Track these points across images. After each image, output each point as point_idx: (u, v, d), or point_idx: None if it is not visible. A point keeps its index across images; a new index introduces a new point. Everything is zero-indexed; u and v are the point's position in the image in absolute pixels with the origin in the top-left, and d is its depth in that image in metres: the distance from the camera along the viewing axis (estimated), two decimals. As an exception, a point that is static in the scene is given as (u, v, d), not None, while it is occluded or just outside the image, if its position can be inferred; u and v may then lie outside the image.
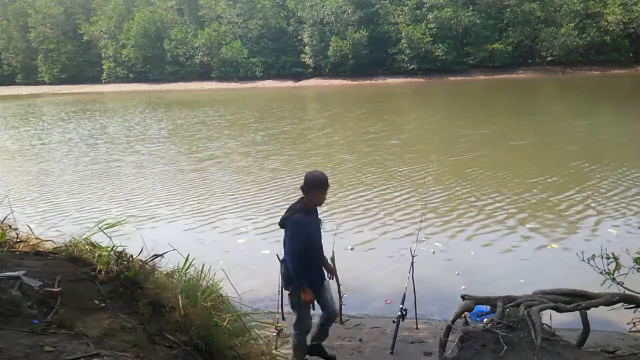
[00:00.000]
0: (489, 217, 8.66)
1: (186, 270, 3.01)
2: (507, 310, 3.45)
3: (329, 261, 4.53)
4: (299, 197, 4.20)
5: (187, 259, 3.07)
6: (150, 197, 11.10)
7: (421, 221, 6.09)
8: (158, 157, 16.03)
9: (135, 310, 2.40)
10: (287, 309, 5.38)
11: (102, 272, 2.57)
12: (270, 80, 57.35)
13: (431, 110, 28.02)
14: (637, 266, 3.62)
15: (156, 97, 46.51)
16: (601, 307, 3.57)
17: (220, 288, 3.04)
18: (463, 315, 4.46)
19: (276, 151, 16.12)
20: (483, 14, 50.52)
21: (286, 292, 4.31)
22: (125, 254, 2.76)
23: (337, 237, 6.25)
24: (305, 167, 13.43)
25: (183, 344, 2.35)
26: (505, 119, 22.14)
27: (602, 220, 8.20)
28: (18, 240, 2.96)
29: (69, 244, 2.86)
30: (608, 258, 3.53)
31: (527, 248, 7.32)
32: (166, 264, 2.94)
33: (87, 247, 2.87)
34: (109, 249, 2.85)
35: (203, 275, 3.00)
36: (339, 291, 5.10)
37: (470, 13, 49.79)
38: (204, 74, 61.79)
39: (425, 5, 51.51)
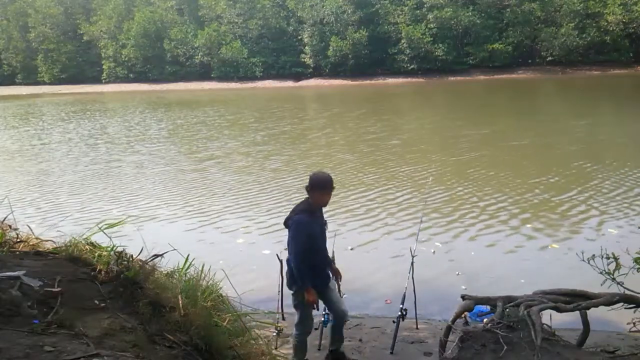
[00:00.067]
0: (489, 217, 8.66)
1: (186, 270, 3.01)
2: (507, 310, 3.45)
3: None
4: (305, 198, 4.19)
5: (187, 259, 3.07)
6: (150, 197, 11.10)
7: (421, 221, 6.07)
8: (158, 157, 16.03)
9: (135, 310, 2.40)
10: (287, 309, 5.39)
11: (102, 272, 2.57)
12: (270, 80, 57.35)
13: (431, 110, 28.02)
14: (637, 266, 3.62)
15: (156, 97, 46.51)
16: (601, 307, 3.57)
17: (220, 288, 3.04)
18: (463, 315, 4.46)
19: (276, 151, 16.12)
20: (483, 14, 50.51)
21: (287, 292, 4.30)
22: (125, 254, 2.76)
23: (337, 237, 6.25)
24: (306, 167, 13.43)
25: (183, 344, 2.35)
26: (506, 119, 22.14)
27: (603, 221, 8.18)
28: (18, 240, 2.96)
29: (69, 244, 2.86)
30: (608, 258, 3.53)
31: (527, 248, 7.32)
32: (166, 264, 2.94)
33: (87, 247, 2.87)
34: (109, 249, 2.84)
35: (203, 275, 3.00)
36: (339, 291, 5.10)
37: (470, 13, 49.78)
38: (204, 74, 61.80)
39: (425, 5, 51.50)
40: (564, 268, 6.29)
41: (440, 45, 50.57)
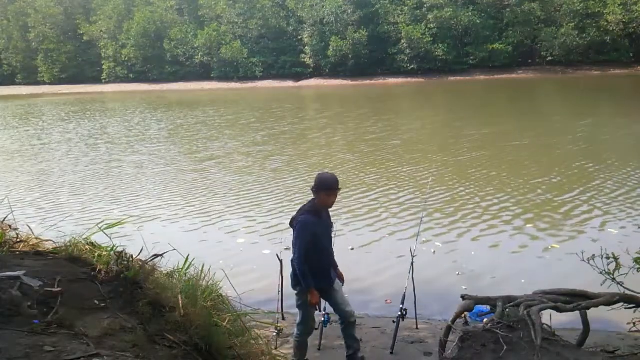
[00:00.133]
0: (490, 217, 8.66)
1: (186, 270, 3.01)
2: (507, 310, 3.45)
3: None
4: (311, 198, 4.19)
5: (187, 259, 3.07)
6: (151, 198, 11.10)
7: (421, 221, 6.08)
8: (158, 158, 16.04)
9: (135, 310, 2.40)
10: (287, 309, 5.40)
11: (102, 272, 2.57)
12: (270, 80, 57.34)
13: (432, 110, 28.02)
14: (637, 266, 3.62)
15: (156, 97, 46.52)
16: (601, 307, 3.57)
17: (220, 288, 3.04)
18: (463, 315, 4.46)
19: (277, 151, 16.12)
20: (483, 14, 50.48)
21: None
22: (125, 254, 2.76)
23: (338, 237, 6.24)
24: (307, 167, 13.44)
25: (183, 344, 2.35)
26: (506, 119, 22.13)
27: (604, 221, 8.18)
28: (18, 240, 2.96)
29: (69, 244, 2.86)
30: (608, 258, 3.53)
31: (527, 248, 7.32)
32: (166, 264, 2.94)
33: (87, 247, 2.87)
34: (109, 249, 2.85)
35: (203, 275, 2.99)
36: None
37: (470, 13, 49.75)
38: (204, 74, 61.78)
39: (425, 5, 51.46)
40: (564, 268, 6.29)
41: (440, 45, 50.54)
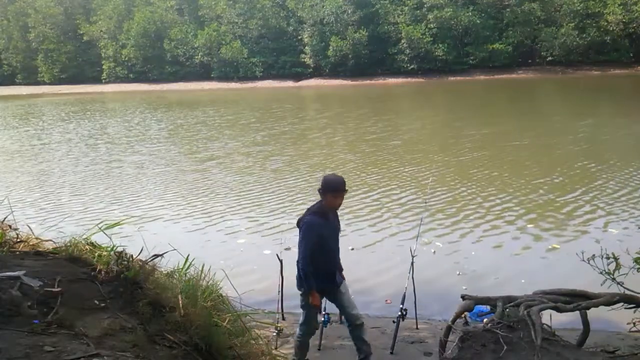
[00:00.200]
0: (491, 217, 8.66)
1: (186, 270, 3.01)
2: (507, 310, 3.45)
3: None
4: (319, 199, 4.17)
5: (187, 259, 3.07)
6: (150, 198, 11.10)
7: (421, 221, 6.08)
8: (159, 158, 16.04)
9: (135, 310, 2.40)
10: (287, 309, 5.40)
11: (102, 272, 2.57)
12: (270, 80, 57.34)
13: (432, 110, 28.02)
14: (637, 266, 3.62)
15: (156, 97, 46.52)
16: (601, 307, 3.57)
17: (220, 288, 3.04)
18: (463, 315, 4.46)
19: (277, 151, 16.12)
20: (483, 14, 50.47)
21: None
22: (125, 254, 2.76)
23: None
24: (307, 167, 13.45)
25: (183, 344, 2.35)
26: (507, 119, 22.14)
27: (605, 221, 8.18)
28: (18, 240, 2.96)
29: (69, 244, 2.86)
30: (608, 258, 3.53)
31: (528, 248, 7.32)
32: (166, 264, 2.94)
33: (87, 247, 2.87)
34: (109, 249, 2.84)
35: (203, 275, 2.99)
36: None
37: (470, 13, 49.74)
38: (204, 74, 61.78)
39: (425, 5, 51.44)
40: (564, 268, 6.29)
41: (440, 45, 50.53)
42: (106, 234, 3.04)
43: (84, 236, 2.97)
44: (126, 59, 65.30)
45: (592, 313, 3.72)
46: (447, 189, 10.50)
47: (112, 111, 35.30)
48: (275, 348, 4.50)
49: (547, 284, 4.82)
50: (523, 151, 14.46)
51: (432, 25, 51.03)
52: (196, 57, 61.29)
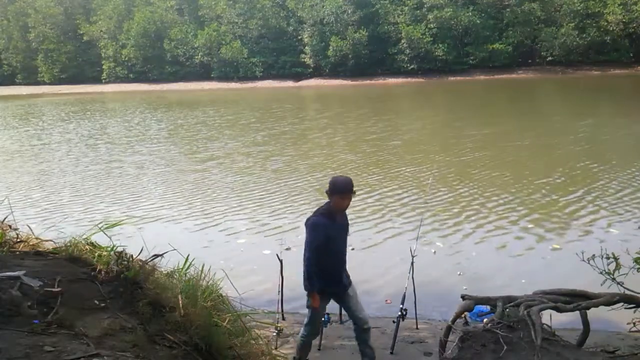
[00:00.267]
0: (491, 217, 8.66)
1: (186, 270, 3.01)
2: (507, 310, 3.45)
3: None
4: (328, 201, 4.14)
5: (187, 259, 3.07)
6: (150, 198, 11.10)
7: (421, 221, 6.07)
8: (159, 158, 16.04)
9: (135, 310, 2.40)
10: (287, 308, 5.41)
11: (102, 272, 2.57)
12: (270, 80, 57.34)
13: (432, 111, 28.02)
14: (637, 266, 3.62)
15: (156, 97, 46.52)
16: (601, 307, 3.57)
17: (220, 288, 3.04)
18: (463, 315, 4.46)
19: (277, 152, 16.12)
20: (483, 14, 50.47)
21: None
22: (125, 254, 2.76)
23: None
24: (308, 167, 13.45)
25: (183, 344, 2.35)
26: (507, 119, 22.14)
27: (606, 222, 8.17)
28: (18, 240, 2.96)
29: (69, 244, 2.86)
30: (608, 258, 3.53)
31: (528, 248, 7.32)
32: (166, 264, 2.94)
33: (87, 247, 2.87)
34: (109, 249, 2.85)
35: (203, 275, 2.99)
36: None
37: (470, 13, 49.74)
38: (204, 74, 61.78)
39: (425, 5, 51.44)
40: (564, 268, 6.29)
41: (440, 45, 50.54)
42: (106, 234, 3.04)
43: (84, 236, 2.97)
44: (126, 59, 65.29)
45: (592, 313, 3.72)
46: (448, 189, 10.50)
47: (112, 111, 35.30)
48: (275, 348, 4.50)
49: (547, 284, 4.82)
50: (523, 151, 14.45)
51: (432, 25, 51.03)
52: (196, 57, 61.29)
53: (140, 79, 65.43)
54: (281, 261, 5.13)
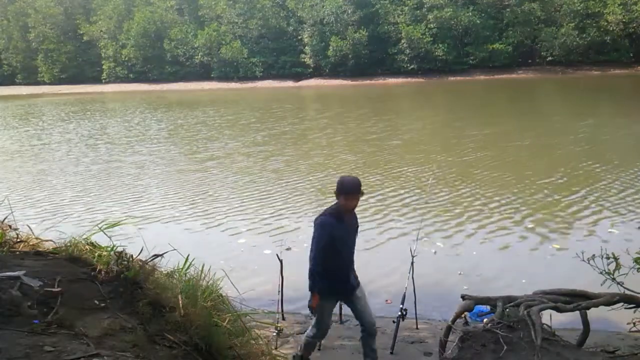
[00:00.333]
0: (492, 218, 8.65)
1: (186, 270, 3.01)
2: (507, 310, 3.45)
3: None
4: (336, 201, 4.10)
5: (187, 259, 3.07)
6: (151, 198, 11.10)
7: (422, 221, 6.08)
8: (159, 158, 16.04)
9: (135, 310, 2.40)
10: (287, 309, 5.41)
11: (102, 272, 2.57)
12: (270, 80, 57.34)
13: (432, 111, 28.01)
14: (637, 266, 3.62)
15: (156, 97, 46.51)
16: (601, 307, 3.57)
17: (221, 288, 3.04)
18: (463, 315, 4.46)
19: (278, 152, 16.12)
20: (483, 14, 50.48)
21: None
22: (125, 254, 2.76)
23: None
24: (308, 167, 13.44)
25: (183, 344, 2.35)
26: (507, 119, 22.13)
27: (607, 222, 8.16)
28: (18, 240, 2.96)
29: (69, 244, 2.86)
30: (608, 258, 3.53)
31: (528, 248, 7.32)
32: (166, 264, 2.94)
33: (87, 247, 2.87)
34: (109, 249, 2.85)
35: (203, 275, 2.99)
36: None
37: (470, 13, 49.75)
38: (204, 74, 61.78)
39: (425, 5, 51.45)
40: (565, 268, 6.29)
41: (440, 45, 50.54)
42: (106, 234, 3.04)
43: (84, 236, 2.98)
44: (126, 59, 65.29)
45: (592, 313, 3.72)
46: (449, 189, 10.50)
47: (112, 111, 35.30)
48: (275, 348, 4.50)
49: (548, 284, 4.82)
50: (524, 151, 14.45)
51: (432, 25, 51.04)
52: (196, 57, 61.30)
53: (140, 79, 65.43)
54: (281, 261, 5.13)
